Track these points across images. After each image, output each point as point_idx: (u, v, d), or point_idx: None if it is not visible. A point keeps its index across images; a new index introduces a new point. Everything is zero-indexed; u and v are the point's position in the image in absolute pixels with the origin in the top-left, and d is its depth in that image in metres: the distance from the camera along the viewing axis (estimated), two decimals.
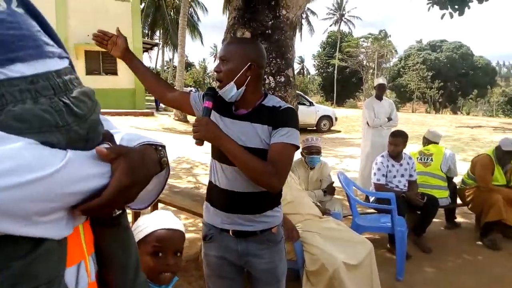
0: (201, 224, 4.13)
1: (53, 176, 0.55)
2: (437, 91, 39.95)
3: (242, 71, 1.51)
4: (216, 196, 1.64)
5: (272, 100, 1.61)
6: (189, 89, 20.53)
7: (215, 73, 1.58)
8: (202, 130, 1.45)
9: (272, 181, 1.48)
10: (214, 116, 1.58)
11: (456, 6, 4.85)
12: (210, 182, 1.69)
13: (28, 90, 0.57)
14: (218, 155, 1.59)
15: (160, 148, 0.79)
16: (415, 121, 19.00)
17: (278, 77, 3.14)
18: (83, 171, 0.61)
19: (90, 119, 0.66)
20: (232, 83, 1.51)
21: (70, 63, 0.70)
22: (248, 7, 3.22)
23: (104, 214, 0.68)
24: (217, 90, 1.58)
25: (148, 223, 1.28)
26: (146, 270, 1.18)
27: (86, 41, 16.79)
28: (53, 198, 0.56)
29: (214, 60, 67.22)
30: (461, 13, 4.81)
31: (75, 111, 0.63)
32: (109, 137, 0.72)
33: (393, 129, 5.48)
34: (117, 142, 0.74)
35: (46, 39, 0.65)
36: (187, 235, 3.92)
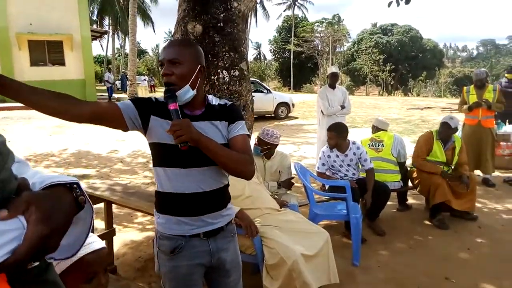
0: None
1: None
2: (389, 74, 41.31)
3: (195, 73, 1.56)
4: (180, 204, 1.58)
5: (214, 99, 1.70)
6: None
7: (164, 76, 1.55)
8: (186, 132, 1.41)
9: (251, 168, 1.60)
10: (161, 122, 1.54)
11: None
12: (166, 194, 1.60)
13: None
14: (179, 161, 1.54)
15: (75, 185, 0.71)
16: (368, 105, 19.60)
17: (232, 71, 3.11)
18: None
19: None
20: (187, 85, 1.54)
21: None
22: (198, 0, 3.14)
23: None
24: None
25: None
26: None
27: (30, 30, 15.91)
28: None
29: None
30: (407, 1, 4.95)
31: None
32: (24, 189, 0.65)
33: (346, 117, 5.65)
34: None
35: None
36: (146, 234, 3.88)
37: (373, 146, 4.50)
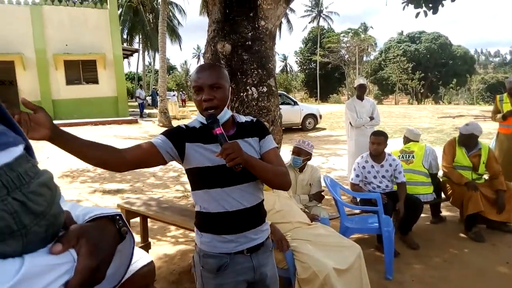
0: (192, 235, 4.14)
1: None
2: (418, 82, 40.56)
3: (229, 95, 1.65)
4: (224, 222, 1.61)
5: (238, 117, 1.74)
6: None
7: (205, 102, 1.56)
8: (239, 154, 1.46)
9: (289, 180, 1.70)
10: (195, 147, 1.58)
11: (430, 5, 4.96)
12: (209, 214, 1.63)
13: None
14: (220, 181, 1.57)
15: (117, 217, 0.75)
16: (398, 114, 19.28)
17: (261, 87, 3.18)
18: (45, 277, 0.56)
19: (50, 214, 0.60)
20: (225, 107, 1.61)
21: (26, 147, 0.63)
22: (227, 20, 3.26)
23: None
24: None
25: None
26: None
27: (65, 51, 16.67)
28: None
29: (197, 62, 66.95)
30: (435, 11, 4.92)
31: (33, 209, 0.56)
32: (69, 222, 0.68)
33: (375, 128, 5.60)
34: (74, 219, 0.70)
35: None
36: (179, 247, 3.97)
37: (403, 158, 4.45)
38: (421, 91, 43.60)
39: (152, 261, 1.30)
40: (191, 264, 1.76)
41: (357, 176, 4.08)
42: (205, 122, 1.57)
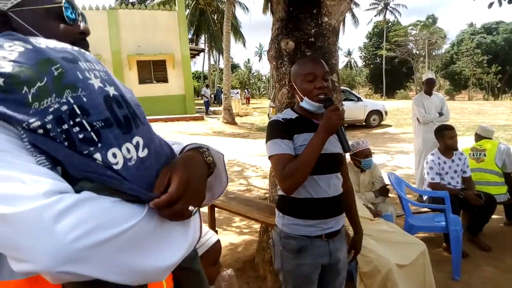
0: (256, 226, 4.30)
1: (135, 226, 0.64)
2: (494, 76, 37.67)
3: None
4: (309, 208, 1.70)
5: None
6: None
7: (320, 89, 1.67)
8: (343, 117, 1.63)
9: None
10: (299, 138, 1.67)
11: None
12: (295, 199, 1.71)
13: None
14: (319, 169, 1.65)
15: (204, 150, 0.85)
16: (471, 111, 18.12)
17: None
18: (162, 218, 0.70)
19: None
20: None
21: None
22: (290, 17, 3.34)
23: (180, 212, 0.71)
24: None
25: (205, 238, 1.46)
26: (209, 278, 1.37)
27: (138, 52, 17.71)
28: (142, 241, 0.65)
29: (259, 60, 67.85)
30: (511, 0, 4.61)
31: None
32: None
33: None
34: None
35: None
36: (243, 237, 4.14)
37: (473, 156, 4.24)
38: (498, 86, 40.41)
39: (219, 239, 1.46)
40: (271, 244, 1.87)
41: (438, 173, 3.91)
42: (296, 114, 1.75)
